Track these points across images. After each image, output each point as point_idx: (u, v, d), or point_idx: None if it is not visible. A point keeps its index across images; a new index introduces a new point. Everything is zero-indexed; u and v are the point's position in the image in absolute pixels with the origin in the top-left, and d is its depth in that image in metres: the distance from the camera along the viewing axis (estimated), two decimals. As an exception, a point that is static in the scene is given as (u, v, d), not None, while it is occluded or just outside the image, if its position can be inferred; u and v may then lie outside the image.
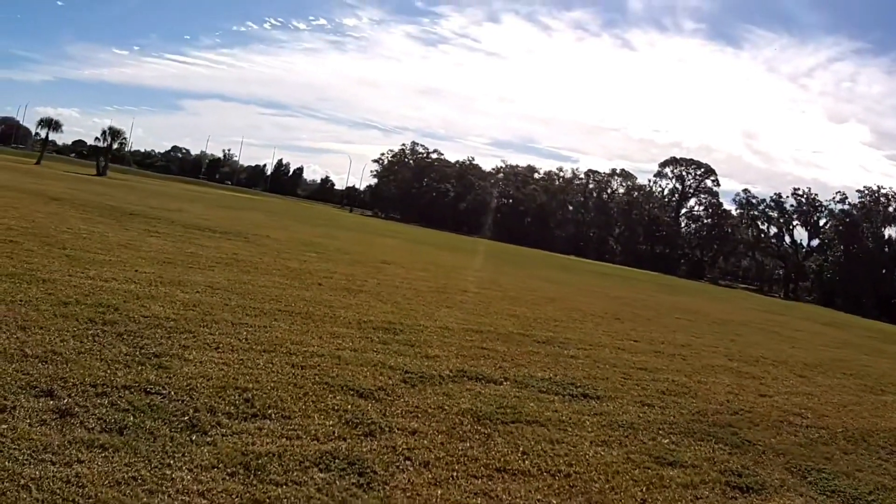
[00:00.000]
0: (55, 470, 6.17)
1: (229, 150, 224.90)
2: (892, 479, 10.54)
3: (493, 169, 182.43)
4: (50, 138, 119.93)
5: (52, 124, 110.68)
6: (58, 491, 5.85)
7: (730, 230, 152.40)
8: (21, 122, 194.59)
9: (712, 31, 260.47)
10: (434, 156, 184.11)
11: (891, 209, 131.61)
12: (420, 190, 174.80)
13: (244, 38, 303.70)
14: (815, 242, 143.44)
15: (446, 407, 9.98)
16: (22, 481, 5.91)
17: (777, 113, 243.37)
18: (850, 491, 9.63)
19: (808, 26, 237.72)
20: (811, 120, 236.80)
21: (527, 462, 8.37)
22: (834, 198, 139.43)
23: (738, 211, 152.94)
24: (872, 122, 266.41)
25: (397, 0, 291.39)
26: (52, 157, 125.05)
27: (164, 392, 8.43)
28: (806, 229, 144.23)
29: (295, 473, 6.93)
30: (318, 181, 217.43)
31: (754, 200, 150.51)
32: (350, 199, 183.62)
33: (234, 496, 6.29)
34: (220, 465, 6.80)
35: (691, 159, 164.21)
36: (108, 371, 8.85)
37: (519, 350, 15.12)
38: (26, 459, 6.29)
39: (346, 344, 12.71)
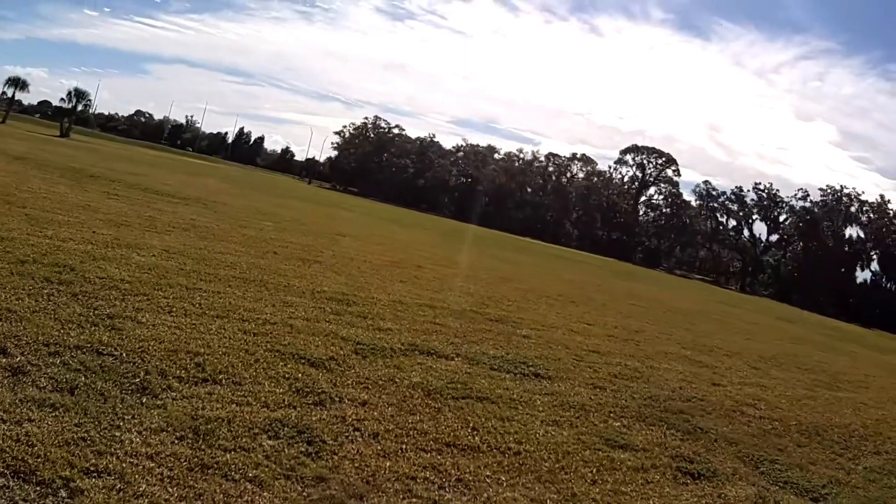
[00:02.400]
0: (5, 428, 6.08)
1: (192, 117, 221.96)
2: (845, 474, 10.69)
3: (454, 147, 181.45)
4: (16, 98, 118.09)
5: (18, 83, 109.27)
6: (7, 449, 5.75)
7: (688, 220, 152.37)
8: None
9: (681, 21, 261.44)
10: (395, 131, 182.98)
11: (853, 209, 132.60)
12: (380, 164, 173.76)
13: (214, 3, 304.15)
14: (775, 238, 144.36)
15: (397, 380, 9.96)
16: (-29, 438, 5.82)
17: (743, 107, 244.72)
18: (803, 483, 9.72)
19: (777, 23, 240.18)
20: (778, 116, 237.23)
21: (476, 438, 8.38)
22: (796, 194, 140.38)
23: (698, 202, 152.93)
24: (840, 122, 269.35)
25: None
26: (17, 117, 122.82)
27: (115, 353, 8.34)
28: (766, 224, 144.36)
29: (244, 440, 6.88)
30: (279, 151, 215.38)
31: (714, 192, 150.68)
32: (309, 170, 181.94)
33: (182, 460, 6.23)
34: (170, 429, 6.73)
35: (653, 148, 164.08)
36: (62, 331, 8.73)
37: (472, 327, 15.13)
38: (-24, 416, 6.19)
39: (298, 313, 12.64)
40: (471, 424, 8.79)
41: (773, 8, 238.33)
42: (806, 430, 12.76)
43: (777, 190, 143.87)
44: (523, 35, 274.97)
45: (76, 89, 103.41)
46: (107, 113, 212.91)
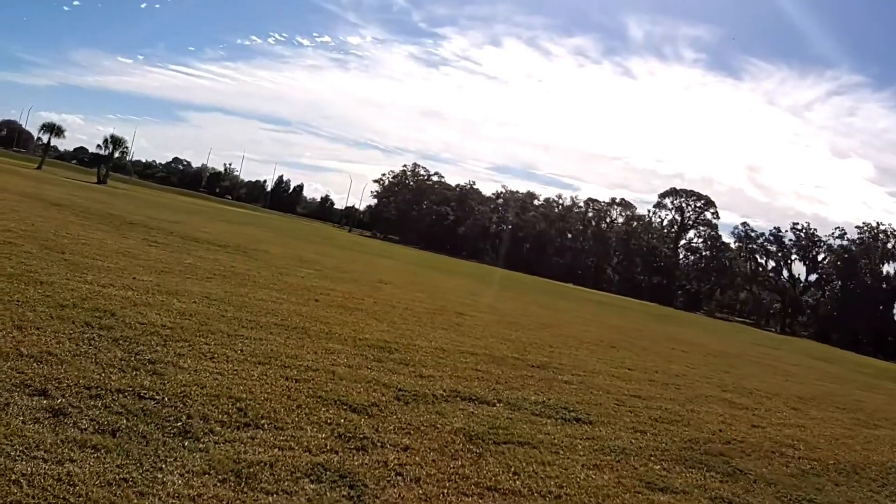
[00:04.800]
0: (47, 467, 6.22)
1: (230, 165, 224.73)
2: (883, 511, 10.65)
3: (494, 194, 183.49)
4: (52, 144, 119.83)
5: (54, 129, 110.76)
6: (49, 488, 5.89)
7: (728, 263, 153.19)
8: (24, 126, 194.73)
9: (712, 61, 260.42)
10: (434, 178, 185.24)
11: (889, 245, 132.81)
12: (420, 212, 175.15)
13: (248, 52, 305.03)
14: (813, 277, 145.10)
15: (439, 425, 10.01)
16: (13, 476, 5.96)
17: (779, 146, 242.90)
18: (840, 522, 9.71)
19: (807, 59, 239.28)
20: (813, 154, 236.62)
21: (517, 482, 8.39)
22: (833, 233, 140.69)
23: (737, 244, 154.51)
24: (874, 157, 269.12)
25: (400, 20, 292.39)
26: (54, 163, 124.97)
27: (157, 398, 8.48)
28: (804, 264, 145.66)
29: (286, 483, 6.97)
30: (319, 199, 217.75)
31: (753, 234, 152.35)
32: (349, 218, 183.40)
33: (224, 503, 6.33)
34: (212, 472, 6.84)
35: (691, 191, 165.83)
36: (103, 374, 8.90)
37: (513, 373, 15.15)
38: (18, 455, 6.34)
39: (340, 360, 12.74)
40: (512, 469, 8.81)
41: (802, 44, 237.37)
42: (844, 468, 12.71)
43: (815, 229, 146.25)
44: (557, 79, 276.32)
45: (113, 136, 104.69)
46: (144, 160, 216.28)
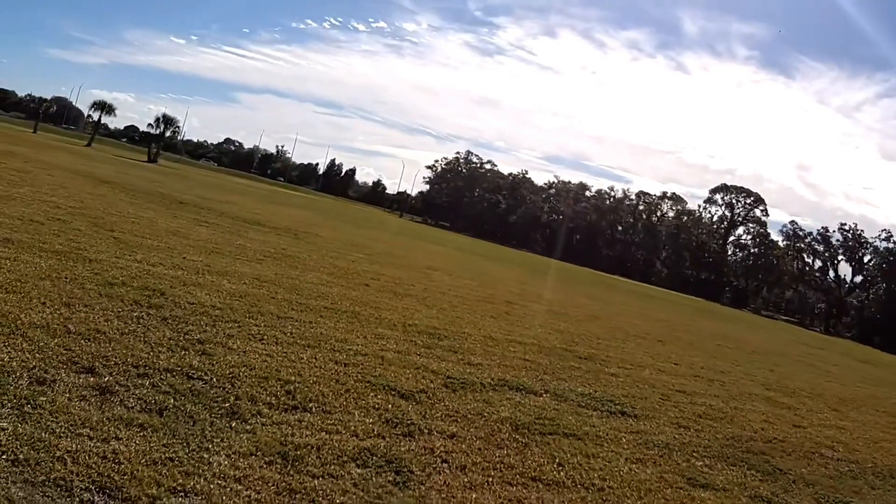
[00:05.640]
0: (92, 445, 6.25)
1: (282, 147, 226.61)
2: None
3: (546, 184, 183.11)
4: (102, 121, 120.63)
5: (105, 107, 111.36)
6: (94, 465, 5.92)
7: (775, 261, 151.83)
8: (74, 104, 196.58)
9: (765, 58, 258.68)
10: (487, 166, 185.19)
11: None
12: (471, 199, 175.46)
13: (303, 35, 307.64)
14: (859, 279, 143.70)
15: (486, 414, 10.00)
16: (58, 453, 5.99)
17: (829, 146, 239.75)
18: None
19: (859, 59, 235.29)
20: (863, 155, 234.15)
21: (562, 473, 8.36)
22: (880, 235, 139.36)
23: (785, 242, 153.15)
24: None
25: (456, 8, 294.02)
26: (104, 141, 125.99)
27: (205, 378, 8.52)
28: (850, 265, 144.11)
29: (332, 467, 6.96)
30: (370, 184, 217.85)
31: (801, 233, 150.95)
32: (401, 203, 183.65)
33: (270, 484, 6.33)
34: (259, 454, 6.84)
35: (742, 187, 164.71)
36: (151, 353, 8.95)
37: (560, 364, 15.12)
38: (63, 432, 6.38)
39: (389, 345, 12.76)
40: (557, 460, 8.80)
41: (854, 44, 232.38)
42: (881, 472, 12.53)
43: (862, 230, 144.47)
44: (611, 71, 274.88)
45: (164, 115, 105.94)
46: (195, 140, 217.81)
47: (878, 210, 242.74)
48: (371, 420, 8.53)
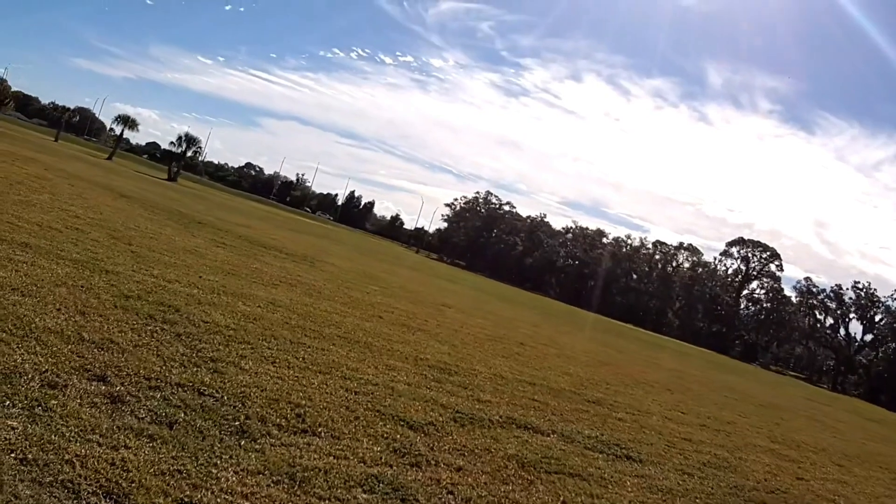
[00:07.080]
0: (101, 451, 6.36)
1: (303, 175, 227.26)
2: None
3: (563, 228, 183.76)
4: (124, 136, 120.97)
5: (128, 122, 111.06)
6: (102, 471, 6.02)
7: (787, 317, 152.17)
8: (97, 115, 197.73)
9: (787, 113, 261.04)
10: (506, 208, 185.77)
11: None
12: (488, 240, 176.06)
13: (329, 64, 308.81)
14: (869, 337, 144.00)
15: (493, 450, 10.06)
16: (66, 456, 6.11)
17: (847, 204, 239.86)
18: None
19: (879, 118, 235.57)
20: (880, 215, 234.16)
21: (566, 512, 8.40)
22: (892, 295, 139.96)
23: (798, 298, 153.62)
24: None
25: (483, 47, 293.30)
26: (125, 155, 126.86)
27: (217, 395, 8.62)
28: (861, 323, 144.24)
29: (339, 491, 7.03)
30: (388, 218, 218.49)
31: (815, 289, 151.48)
32: (418, 239, 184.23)
33: (277, 503, 6.40)
34: (266, 472, 6.93)
35: (758, 241, 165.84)
36: (164, 367, 9.07)
37: (569, 406, 15.17)
38: (73, 436, 6.50)
39: (400, 377, 12.83)
40: (561, 498, 8.88)
41: (875, 103, 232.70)
42: None
43: (875, 289, 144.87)
44: (634, 119, 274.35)
45: (187, 134, 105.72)
46: (216, 162, 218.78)
47: (894, 269, 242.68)
48: (379, 448, 8.61)
